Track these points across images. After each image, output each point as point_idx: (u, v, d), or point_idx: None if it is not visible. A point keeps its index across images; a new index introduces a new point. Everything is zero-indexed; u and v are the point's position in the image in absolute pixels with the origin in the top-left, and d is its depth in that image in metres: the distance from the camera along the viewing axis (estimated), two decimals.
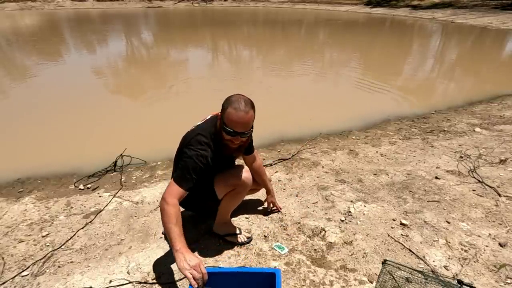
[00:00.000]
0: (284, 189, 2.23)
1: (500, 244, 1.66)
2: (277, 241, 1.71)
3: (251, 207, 1.99)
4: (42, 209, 2.04)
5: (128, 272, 1.51)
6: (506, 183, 2.25)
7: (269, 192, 1.92)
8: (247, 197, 1.95)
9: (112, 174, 2.51)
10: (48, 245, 1.70)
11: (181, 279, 1.46)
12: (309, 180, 2.35)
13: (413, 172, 2.45)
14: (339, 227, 1.82)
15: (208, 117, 1.54)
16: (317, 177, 2.40)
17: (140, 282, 1.45)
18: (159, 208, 1.99)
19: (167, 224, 1.22)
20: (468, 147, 2.87)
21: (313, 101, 4.57)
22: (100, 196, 2.18)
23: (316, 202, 2.06)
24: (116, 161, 2.61)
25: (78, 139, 3.27)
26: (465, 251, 1.62)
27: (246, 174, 1.57)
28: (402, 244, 1.67)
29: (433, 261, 1.56)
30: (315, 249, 1.65)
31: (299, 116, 3.94)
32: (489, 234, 1.74)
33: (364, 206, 2.01)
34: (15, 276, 1.49)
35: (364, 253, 1.62)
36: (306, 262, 1.57)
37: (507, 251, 1.61)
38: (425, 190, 2.19)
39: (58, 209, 2.04)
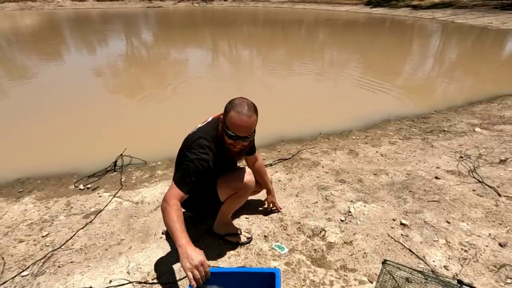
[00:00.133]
0: (284, 189, 2.23)
1: (500, 244, 1.66)
2: (277, 241, 1.71)
3: (251, 207, 1.99)
4: (42, 209, 2.04)
5: (128, 272, 1.51)
6: (506, 183, 2.25)
7: (269, 192, 1.92)
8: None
9: (112, 174, 2.51)
10: (48, 245, 1.70)
11: (181, 279, 1.46)
12: (309, 180, 2.35)
13: (413, 172, 2.45)
14: (339, 227, 1.82)
15: (210, 119, 1.53)
16: (317, 177, 2.40)
17: (140, 282, 1.45)
18: (159, 208, 2.00)
19: (169, 222, 1.21)
20: (468, 147, 2.87)
21: (313, 101, 4.57)
22: (100, 196, 2.18)
23: (316, 202, 2.06)
24: (116, 161, 2.61)
25: (78, 139, 3.27)
26: (465, 251, 1.62)
27: (248, 177, 1.56)
28: (402, 244, 1.67)
29: (433, 261, 1.56)
30: (315, 249, 1.65)
31: (299, 116, 3.94)
32: (489, 234, 1.74)
33: (364, 206, 2.01)
34: (15, 276, 1.49)
35: (364, 253, 1.62)
36: (306, 262, 1.57)
37: (507, 251, 1.61)
38: (425, 190, 2.19)
39: (58, 209, 2.04)
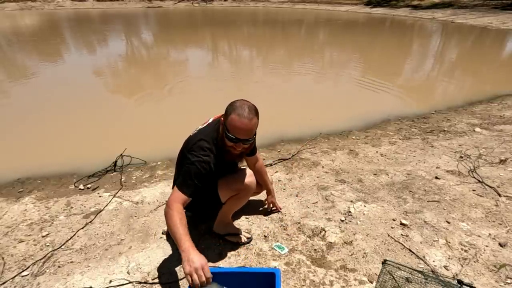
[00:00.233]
0: (284, 189, 2.23)
1: (500, 244, 1.66)
2: (277, 241, 1.71)
3: (251, 207, 1.99)
4: (42, 209, 2.04)
5: (128, 272, 1.51)
6: (506, 183, 2.25)
7: (269, 192, 1.92)
8: None
9: (112, 174, 2.51)
10: (48, 245, 1.70)
11: (181, 279, 1.46)
12: (309, 180, 2.35)
13: (413, 172, 2.45)
14: (339, 227, 1.82)
15: (210, 120, 1.52)
16: (317, 177, 2.40)
17: (140, 282, 1.45)
18: (159, 208, 2.01)
19: (172, 227, 1.20)
20: (468, 147, 2.87)
21: (313, 101, 4.58)
22: (100, 196, 2.18)
23: (316, 202, 2.06)
24: (116, 161, 2.61)
25: (78, 139, 3.27)
26: (465, 251, 1.62)
27: (250, 179, 1.56)
28: (402, 244, 1.67)
29: (433, 261, 1.56)
30: (315, 249, 1.65)
31: (299, 116, 3.94)
32: (489, 234, 1.74)
33: (364, 206, 2.01)
34: (15, 276, 1.49)
35: (364, 253, 1.62)
36: (306, 262, 1.57)
37: (507, 251, 1.61)
38: (425, 190, 2.19)
39: (58, 209, 2.04)
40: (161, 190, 2.23)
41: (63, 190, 2.30)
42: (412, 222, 1.85)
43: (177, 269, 1.52)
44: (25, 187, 2.35)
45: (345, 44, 10.41)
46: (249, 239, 1.70)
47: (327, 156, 2.77)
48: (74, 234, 1.77)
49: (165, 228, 1.79)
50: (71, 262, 1.58)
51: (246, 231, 1.77)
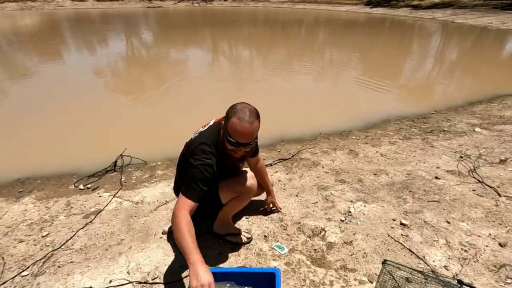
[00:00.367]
0: (284, 189, 2.23)
1: (500, 244, 1.66)
2: (277, 241, 1.71)
3: (251, 207, 1.98)
4: (42, 209, 2.04)
5: (128, 272, 1.51)
6: (506, 183, 2.25)
7: (269, 192, 1.92)
8: None
9: (112, 174, 2.51)
10: (48, 245, 1.70)
11: (181, 279, 1.46)
12: (309, 180, 2.35)
13: (413, 172, 2.45)
14: (339, 227, 1.82)
15: (212, 123, 1.50)
16: (317, 177, 2.40)
17: (140, 282, 1.45)
18: (159, 208, 2.01)
19: (179, 237, 1.17)
20: (468, 147, 2.87)
21: (313, 101, 4.57)
22: (100, 196, 2.18)
23: (316, 202, 2.06)
24: (116, 161, 2.61)
25: (78, 139, 3.27)
26: (465, 251, 1.62)
27: (251, 181, 1.55)
28: (402, 244, 1.67)
29: (433, 261, 1.56)
30: (315, 249, 1.65)
31: (299, 116, 3.94)
32: (489, 234, 1.74)
33: (364, 206, 2.01)
34: (15, 276, 1.49)
35: (364, 253, 1.62)
36: (306, 262, 1.57)
37: (507, 251, 1.61)
38: (425, 190, 2.19)
39: (58, 209, 2.04)
40: (161, 190, 2.23)
41: (63, 190, 2.30)
42: (412, 222, 1.85)
43: (177, 269, 1.52)
44: (25, 187, 2.35)
45: (345, 44, 10.40)
46: (249, 239, 1.70)
47: (327, 156, 2.77)
48: (74, 234, 1.77)
49: (165, 228, 1.79)
50: (71, 262, 1.58)
51: (246, 231, 1.77)
